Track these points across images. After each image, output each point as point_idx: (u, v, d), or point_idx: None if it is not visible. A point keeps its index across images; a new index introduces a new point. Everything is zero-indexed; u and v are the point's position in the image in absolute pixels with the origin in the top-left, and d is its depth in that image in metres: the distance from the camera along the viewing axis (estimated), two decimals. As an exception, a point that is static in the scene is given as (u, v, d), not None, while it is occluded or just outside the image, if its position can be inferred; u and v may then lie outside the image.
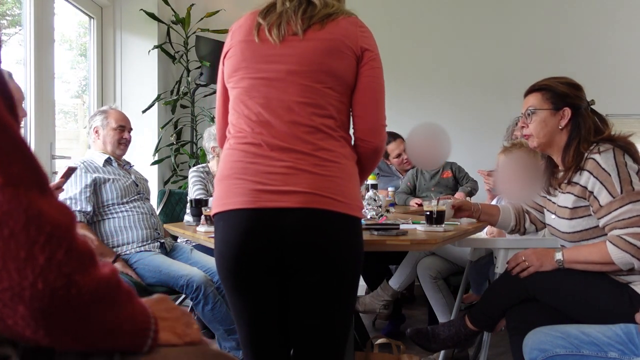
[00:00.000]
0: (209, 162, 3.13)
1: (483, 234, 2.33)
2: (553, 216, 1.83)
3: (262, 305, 1.37)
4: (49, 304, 0.59)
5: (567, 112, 1.76)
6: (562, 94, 1.78)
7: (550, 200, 1.86)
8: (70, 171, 2.16)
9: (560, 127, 1.77)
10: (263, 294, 1.36)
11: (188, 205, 2.75)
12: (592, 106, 1.80)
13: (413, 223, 2.09)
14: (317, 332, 1.37)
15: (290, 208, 1.27)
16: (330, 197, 1.28)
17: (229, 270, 1.34)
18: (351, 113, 1.40)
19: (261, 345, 1.40)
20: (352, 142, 1.42)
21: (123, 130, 2.64)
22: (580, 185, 1.70)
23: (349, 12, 1.40)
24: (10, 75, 1.95)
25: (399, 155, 3.58)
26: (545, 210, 1.91)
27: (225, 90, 1.45)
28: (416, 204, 3.21)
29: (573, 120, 1.76)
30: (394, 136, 3.58)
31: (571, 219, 1.73)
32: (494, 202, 2.61)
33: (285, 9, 1.36)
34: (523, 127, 1.85)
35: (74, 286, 0.60)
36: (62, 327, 0.61)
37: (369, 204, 2.25)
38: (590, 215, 1.70)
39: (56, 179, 2.13)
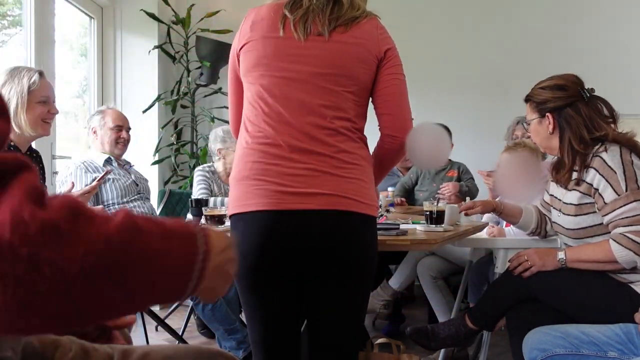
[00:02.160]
0: (214, 163, 3.13)
1: (483, 234, 2.33)
2: (558, 214, 1.83)
3: (277, 306, 1.37)
4: (25, 294, 0.50)
5: (550, 117, 1.78)
6: (542, 101, 1.80)
7: (557, 198, 1.86)
8: (107, 174, 2.26)
9: (550, 132, 1.80)
10: (279, 294, 1.36)
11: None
12: (591, 94, 1.77)
13: (413, 223, 2.09)
14: (334, 329, 1.37)
15: (314, 210, 1.28)
16: (353, 199, 1.29)
17: (248, 269, 1.32)
18: (376, 112, 1.42)
19: (273, 345, 1.40)
20: (371, 141, 1.45)
21: (120, 130, 2.64)
22: (587, 183, 1.70)
23: (371, 14, 1.40)
24: (42, 73, 1.95)
25: None
26: (551, 208, 1.92)
27: (238, 82, 1.42)
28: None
29: (558, 123, 1.78)
30: None
31: (576, 215, 1.74)
32: None
33: (312, 6, 1.33)
34: (529, 136, 1.93)
35: (45, 265, 0.50)
36: (67, 310, 0.53)
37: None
38: (595, 212, 1.70)
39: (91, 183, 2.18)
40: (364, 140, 1.40)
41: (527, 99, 1.87)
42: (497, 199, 2.65)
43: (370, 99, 1.42)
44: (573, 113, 1.75)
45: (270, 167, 1.29)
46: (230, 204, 1.37)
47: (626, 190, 1.61)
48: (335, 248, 1.30)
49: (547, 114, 1.78)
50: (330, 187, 1.28)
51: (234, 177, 1.37)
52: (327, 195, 1.27)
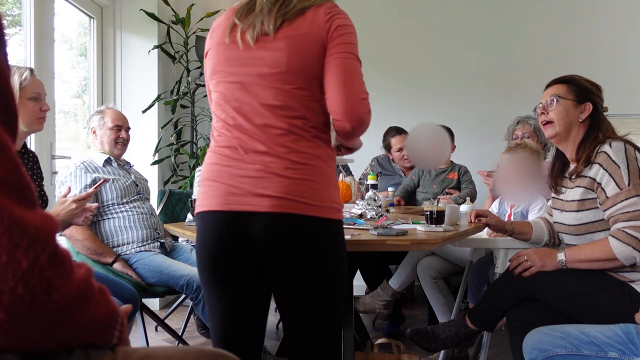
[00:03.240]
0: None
1: (483, 234, 2.33)
2: (560, 212, 1.83)
3: (234, 304, 1.39)
4: (28, 309, 0.57)
5: (589, 106, 1.80)
6: (586, 89, 1.81)
7: (558, 199, 1.86)
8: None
9: (580, 120, 1.80)
10: (235, 291, 1.38)
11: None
12: (605, 113, 1.84)
13: (413, 223, 2.09)
14: (304, 333, 1.38)
15: (259, 212, 1.28)
16: (300, 201, 1.28)
17: (204, 267, 1.39)
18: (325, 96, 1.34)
19: (231, 344, 1.41)
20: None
21: (120, 130, 2.64)
22: (590, 178, 1.71)
23: (322, 1, 1.34)
24: (32, 71, 1.95)
25: (400, 150, 3.58)
26: (552, 209, 1.92)
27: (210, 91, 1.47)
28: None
29: (592, 116, 1.79)
30: (398, 131, 3.60)
31: (578, 211, 1.75)
32: (495, 204, 2.61)
33: (262, 8, 1.34)
34: (542, 113, 1.86)
35: (54, 290, 0.59)
36: (40, 331, 0.60)
37: (368, 204, 2.25)
38: (597, 207, 1.71)
39: (86, 190, 2.18)
40: (321, 137, 1.36)
41: (566, 81, 1.84)
42: (497, 200, 2.65)
43: None
44: (604, 117, 1.81)
45: (223, 169, 1.34)
46: (196, 204, 1.43)
47: (628, 185, 1.62)
48: (282, 250, 1.30)
49: (587, 102, 1.80)
50: (278, 189, 1.28)
51: (199, 179, 1.42)
52: (274, 197, 1.27)
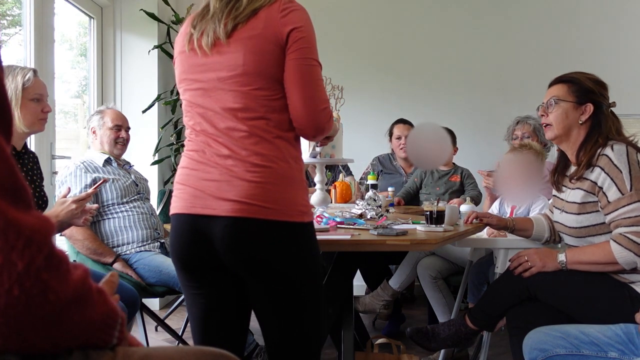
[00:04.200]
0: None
1: (483, 234, 2.33)
2: (560, 212, 1.83)
3: (209, 301, 1.42)
4: (24, 311, 0.57)
5: (590, 107, 1.76)
6: (588, 89, 1.77)
7: (559, 198, 1.86)
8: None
9: (580, 122, 1.77)
10: (207, 291, 1.41)
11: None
12: (611, 108, 1.79)
13: (413, 223, 2.09)
14: (278, 336, 1.38)
15: (220, 216, 1.29)
16: (260, 205, 1.27)
17: (177, 268, 1.43)
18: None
19: (210, 341, 1.41)
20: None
21: (119, 130, 2.64)
22: (591, 181, 1.70)
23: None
24: (36, 72, 1.96)
25: (399, 137, 3.59)
26: (553, 207, 1.91)
27: None
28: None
29: (594, 117, 1.76)
30: (403, 121, 3.62)
31: (579, 214, 1.74)
32: (495, 204, 2.61)
33: (215, 11, 1.34)
34: (542, 115, 1.84)
35: (51, 292, 0.59)
36: (36, 333, 0.60)
37: (368, 204, 2.25)
38: (598, 211, 1.70)
39: (87, 190, 2.18)
40: (283, 137, 1.32)
41: (567, 81, 1.81)
42: (498, 201, 2.65)
43: None
44: (608, 114, 1.77)
45: (191, 173, 1.36)
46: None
47: (630, 190, 1.61)
48: (240, 255, 1.30)
49: (588, 103, 1.76)
50: (237, 194, 1.28)
51: (174, 181, 1.45)
52: (233, 201, 1.27)
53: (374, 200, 2.26)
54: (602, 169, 1.66)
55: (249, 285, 1.37)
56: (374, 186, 2.44)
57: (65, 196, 1.93)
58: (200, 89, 1.36)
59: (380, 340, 2.35)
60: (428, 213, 1.91)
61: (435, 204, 1.91)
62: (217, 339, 1.41)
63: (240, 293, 1.42)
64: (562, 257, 1.73)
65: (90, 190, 2.06)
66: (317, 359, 1.43)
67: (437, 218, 1.89)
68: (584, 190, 1.72)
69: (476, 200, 3.11)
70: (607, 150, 1.68)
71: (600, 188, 1.66)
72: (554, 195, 1.92)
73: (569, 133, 1.80)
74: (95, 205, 2.08)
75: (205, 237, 1.32)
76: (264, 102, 1.30)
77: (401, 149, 3.58)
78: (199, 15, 1.38)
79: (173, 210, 1.40)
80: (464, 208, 2.51)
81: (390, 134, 3.67)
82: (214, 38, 1.32)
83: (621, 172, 1.63)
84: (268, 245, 1.29)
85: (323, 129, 1.34)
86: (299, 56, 1.28)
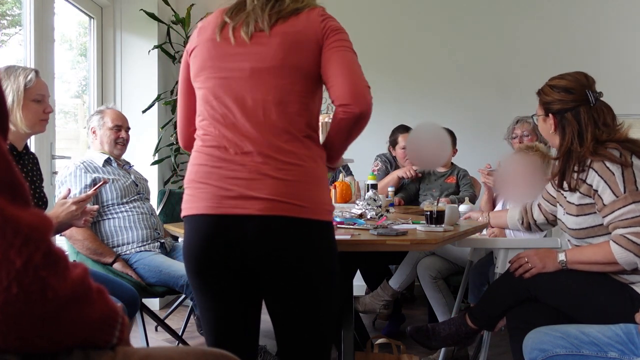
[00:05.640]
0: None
1: (483, 234, 2.33)
2: (563, 212, 1.83)
3: (225, 307, 1.37)
4: (23, 309, 0.57)
5: (552, 118, 1.79)
6: (548, 102, 1.80)
7: (563, 195, 1.86)
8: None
9: (551, 132, 1.81)
10: (226, 296, 1.37)
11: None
12: (597, 100, 1.76)
13: (413, 223, 2.09)
14: (295, 336, 1.36)
15: (251, 215, 1.25)
16: (291, 203, 1.26)
17: (193, 272, 1.36)
18: (327, 87, 1.33)
19: (224, 347, 1.38)
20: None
21: (119, 130, 2.64)
22: (587, 184, 1.70)
23: (315, 5, 1.37)
24: (37, 72, 1.95)
25: (404, 148, 3.54)
26: (557, 204, 1.92)
27: (189, 89, 1.43)
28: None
29: (559, 125, 1.78)
30: (407, 130, 3.51)
31: (577, 215, 1.74)
32: (498, 206, 2.61)
33: (254, 7, 1.34)
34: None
35: (49, 290, 0.59)
36: (35, 331, 0.60)
37: (368, 204, 2.25)
38: (595, 213, 1.70)
39: (87, 191, 2.18)
40: (312, 137, 1.34)
41: (538, 93, 1.87)
42: (500, 203, 2.65)
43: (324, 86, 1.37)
44: (572, 118, 1.75)
45: (213, 170, 1.29)
46: (182, 207, 1.38)
47: (624, 192, 1.61)
48: (272, 254, 1.28)
49: (550, 114, 1.79)
50: (269, 192, 1.25)
51: (185, 180, 1.38)
52: (265, 200, 1.25)
53: (374, 200, 2.26)
54: (596, 172, 1.67)
55: (269, 286, 1.34)
56: (374, 186, 2.44)
57: (65, 197, 1.93)
58: (229, 77, 1.31)
59: (380, 340, 2.35)
60: (428, 213, 1.91)
61: (435, 204, 1.91)
62: (232, 343, 1.39)
63: (254, 300, 1.40)
64: (562, 256, 1.73)
65: (90, 192, 2.06)
66: (329, 358, 1.43)
67: (437, 218, 1.89)
68: (581, 193, 1.72)
69: (472, 200, 3.11)
70: (601, 153, 1.68)
71: (596, 191, 1.67)
72: (558, 191, 1.90)
73: (553, 142, 1.85)
74: (96, 207, 2.08)
75: (233, 237, 1.28)
76: (298, 97, 1.30)
77: (406, 159, 3.53)
78: (233, 8, 1.36)
79: (190, 211, 1.32)
80: (463, 208, 2.51)
81: (394, 143, 3.59)
82: (255, 29, 1.31)
83: (614, 174, 1.63)
84: (298, 243, 1.28)
85: (370, 106, 1.30)
86: (340, 45, 1.31)
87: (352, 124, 1.31)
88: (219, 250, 1.30)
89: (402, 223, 2.09)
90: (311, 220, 1.29)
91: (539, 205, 2.03)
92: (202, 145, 1.34)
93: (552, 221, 2.01)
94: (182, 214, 1.36)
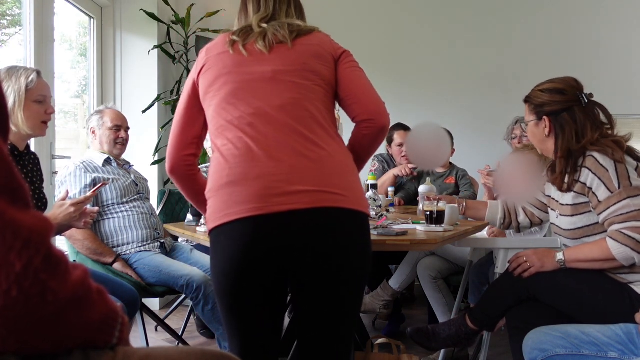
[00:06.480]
0: (208, 163, 3.13)
1: (483, 234, 2.33)
2: (556, 215, 1.83)
3: (257, 323, 1.35)
4: (23, 312, 0.57)
5: (546, 120, 1.79)
6: (540, 104, 1.81)
7: (554, 199, 1.86)
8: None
9: (546, 135, 1.81)
10: (259, 312, 1.34)
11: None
12: (589, 99, 1.77)
13: (413, 223, 2.09)
14: (324, 332, 1.35)
15: (297, 210, 1.23)
16: (338, 193, 1.26)
17: (225, 291, 1.31)
18: (346, 105, 1.43)
19: (251, 355, 1.38)
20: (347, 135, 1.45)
21: (119, 130, 2.64)
22: (581, 182, 1.71)
23: (319, 30, 1.48)
24: (39, 73, 1.95)
25: (400, 145, 3.54)
26: (549, 209, 1.92)
27: (193, 110, 1.44)
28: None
29: (554, 127, 1.78)
30: (403, 127, 3.54)
31: (572, 215, 1.74)
32: None
33: (265, 29, 1.39)
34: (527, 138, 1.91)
35: (49, 292, 0.58)
36: (36, 333, 0.60)
37: (368, 204, 2.25)
38: (591, 211, 1.71)
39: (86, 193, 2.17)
40: (338, 134, 1.40)
41: (526, 100, 1.87)
42: (496, 197, 2.65)
43: (337, 102, 1.45)
44: (568, 118, 1.76)
45: (249, 171, 1.25)
46: (209, 218, 1.32)
47: (619, 188, 1.62)
48: (321, 246, 1.26)
49: (544, 117, 1.79)
50: (314, 183, 1.25)
51: (210, 190, 1.33)
52: (312, 191, 1.24)
53: (374, 200, 2.26)
54: (590, 170, 1.67)
55: (305, 281, 1.31)
56: (373, 186, 2.44)
57: (64, 199, 1.93)
58: (250, 80, 1.33)
59: (380, 340, 2.35)
60: (428, 213, 1.91)
61: (435, 204, 1.91)
62: (263, 346, 1.37)
63: (281, 313, 1.41)
64: (560, 255, 1.73)
65: (89, 194, 2.06)
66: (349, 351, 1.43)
67: (437, 218, 1.90)
68: (575, 192, 1.73)
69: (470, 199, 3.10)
70: (593, 151, 1.69)
71: (590, 188, 1.67)
72: (548, 196, 1.92)
73: (545, 148, 1.85)
74: (96, 209, 2.07)
75: (279, 235, 1.24)
76: (320, 97, 1.36)
77: (403, 156, 3.53)
78: (239, 31, 1.41)
79: (228, 217, 1.25)
80: (422, 188, 2.51)
81: (390, 140, 3.60)
82: (275, 41, 1.36)
83: (607, 170, 1.64)
84: (348, 235, 1.29)
85: (388, 120, 1.41)
86: (354, 65, 1.43)
87: (375, 137, 1.42)
88: (265, 252, 1.26)
89: (402, 223, 2.09)
90: (358, 212, 1.31)
91: (523, 208, 2.04)
92: (227, 151, 1.30)
93: (537, 224, 2.05)
94: (215, 224, 1.28)
